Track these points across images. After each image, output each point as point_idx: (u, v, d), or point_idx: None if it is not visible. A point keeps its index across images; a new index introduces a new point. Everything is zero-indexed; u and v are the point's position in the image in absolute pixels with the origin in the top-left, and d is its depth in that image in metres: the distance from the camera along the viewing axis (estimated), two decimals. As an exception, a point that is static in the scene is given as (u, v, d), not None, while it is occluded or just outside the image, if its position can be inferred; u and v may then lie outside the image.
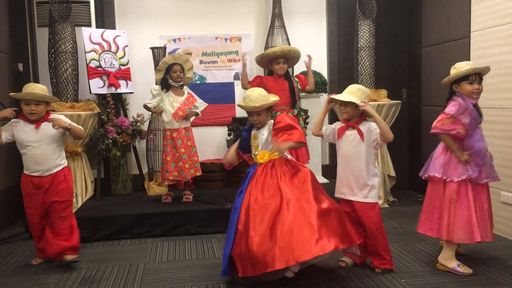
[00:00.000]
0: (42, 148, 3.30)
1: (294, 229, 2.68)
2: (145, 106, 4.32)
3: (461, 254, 3.36)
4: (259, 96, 3.03)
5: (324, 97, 5.41)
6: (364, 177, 3.04)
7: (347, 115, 3.07)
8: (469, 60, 4.13)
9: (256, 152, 3.10)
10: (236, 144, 3.29)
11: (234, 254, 2.88)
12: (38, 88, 3.27)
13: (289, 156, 3.16)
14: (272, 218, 2.76)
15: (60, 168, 3.39)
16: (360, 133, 3.03)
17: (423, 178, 3.29)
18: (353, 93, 3.01)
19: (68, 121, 3.34)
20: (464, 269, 3.05)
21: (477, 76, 3.08)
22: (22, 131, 3.28)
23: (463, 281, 2.94)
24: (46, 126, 3.31)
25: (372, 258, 3.17)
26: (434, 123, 3.11)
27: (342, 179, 3.15)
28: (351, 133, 3.07)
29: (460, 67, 3.11)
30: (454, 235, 3.04)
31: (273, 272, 2.72)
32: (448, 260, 3.11)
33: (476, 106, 3.10)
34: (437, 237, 3.21)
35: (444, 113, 3.07)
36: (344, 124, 3.12)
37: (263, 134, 3.09)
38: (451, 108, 3.05)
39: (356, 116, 3.06)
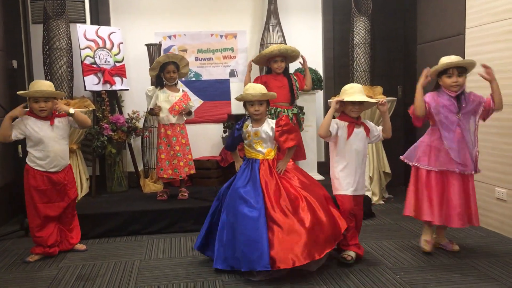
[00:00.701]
0: (61, 143, 3.43)
1: (312, 230, 2.93)
2: (150, 113, 4.37)
3: (456, 251, 3.40)
4: (263, 88, 3.22)
5: (319, 94, 5.42)
6: (365, 171, 3.33)
7: (359, 113, 3.23)
8: (463, 57, 4.15)
9: (261, 149, 3.20)
10: (232, 153, 3.48)
11: (278, 247, 2.89)
12: (46, 85, 3.36)
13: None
14: (289, 219, 2.96)
15: (69, 163, 3.57)
16: (367, 130, 3.22)
17: (401, 159, 3.61)
18: (363, 93, 3.18)
19: (72, 109, 3.43)
20: (424, 245, 3.38)
21: (455, 70, 3.22)
22: (37, 127, 3.34)
23: (459, 278, 2.96)
24: (58, 122, 3.42)
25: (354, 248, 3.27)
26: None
27: (357, 175, 3.23)
28: (360, 130, 3.21)
29: (440, 61, 3.31)
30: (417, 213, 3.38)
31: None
32: (424, 233, 3.44)
33: (459, 97, 3.26)
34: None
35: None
36: (350, 122, 3.20)
37: (267, 131, 3.18)
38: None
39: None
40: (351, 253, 3.22)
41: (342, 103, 3.17)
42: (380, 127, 3.30)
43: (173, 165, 4.27)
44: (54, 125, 3.39)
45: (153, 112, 4.31)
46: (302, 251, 2.84)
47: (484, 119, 3.35)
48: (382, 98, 3.15)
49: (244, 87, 4.18)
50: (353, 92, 3.14)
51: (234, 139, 3.32)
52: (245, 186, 3.09)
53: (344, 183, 3.20)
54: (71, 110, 3.40)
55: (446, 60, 3.27)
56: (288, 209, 2.98)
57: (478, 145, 3.31)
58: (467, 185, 3.29)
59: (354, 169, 3.21)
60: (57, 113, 3.41)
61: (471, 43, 4.08)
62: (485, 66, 3.18)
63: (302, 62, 4.49)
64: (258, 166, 3.16)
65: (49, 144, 3.36)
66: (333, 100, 3.20)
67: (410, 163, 3.48)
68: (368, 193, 4.80)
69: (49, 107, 3.34)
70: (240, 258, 2.94)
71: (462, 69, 3.25)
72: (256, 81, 4.38)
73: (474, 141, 3.28)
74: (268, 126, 3.21)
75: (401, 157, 3.62)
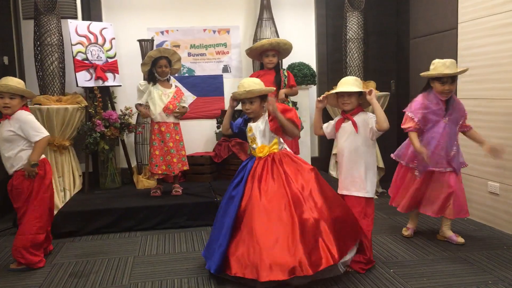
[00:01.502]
0: (8, 148, 3.17)
1: (315, 233, 2.66)
2: (137, 108, 4.32)
3: (461, 243, 3.43)
4: (252, 83, 2.98)
5: (312, 89, 5.42)
6: (357, 170, 2.97)
7: (350, 105, 2.99)
8: (456, 52, 4.16)
9: (254, 145, 3.02)
10: (228, 114, 3.17)
11: (232, 252, 2.78)
12: (14, 81, 3.14)
13: (287, 149, 3.10)
14: (285, 220, 2.70)
15: (20, 169, 3.20)
16: (354, 124, 2.97)
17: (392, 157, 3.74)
18: (352, 84, 2.96)
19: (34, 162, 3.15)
20: (458, 239, 3.44)
21: (449, 78, 3.28)
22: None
23: (452, 271, 2.97)
24: (3, 124, 3.17)
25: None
26: (402, 125, 3.47)
27: (341, 174, 3.09)
28: (346, 125, 3.02)
29: (435, 68, 3.33)
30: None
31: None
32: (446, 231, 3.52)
33: (447, 100, 3.35)
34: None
35: (406, 113, 3.46)
36: (342, 117, 3.07)
37: (260, 126, 3.01)
38: (410, 106, 3.44)
39: (355, 106, 3.01)
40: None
41: (335, 101, 3.07)
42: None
43: (167, 161, 4.25)
44: (2, 125, 3.16)
45: (140, 109, 4.27)
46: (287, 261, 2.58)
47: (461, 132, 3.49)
48: (369, 88, 2.96)
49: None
50: (340, 84, 3.01)
51: (239, 131, 3.15)
52: (234, 189, 2.97)
53: (339, 181, 3.10)
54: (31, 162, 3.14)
55: (442, 68, 3.28)
56: (281, 209, 2.75)
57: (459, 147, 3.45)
58: (447, 181, 3.38)
59: (341, 167, 3.06)
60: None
61: (464, 37, 4.09)
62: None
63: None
64: (252, 164, 2.99)
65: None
66: (316, 100, 3.12)
67: (403, 162, 3.61)
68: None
69: (14, 105, 3.13)
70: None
71: (454, 77, 3.33)
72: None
73: (453, 144, 3.40)
74: (263, 120, 3.02)
75: (391, 155, 3.74)
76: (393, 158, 3.72)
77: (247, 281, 2.72)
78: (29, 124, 3.15)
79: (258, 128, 3.02)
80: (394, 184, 3.75)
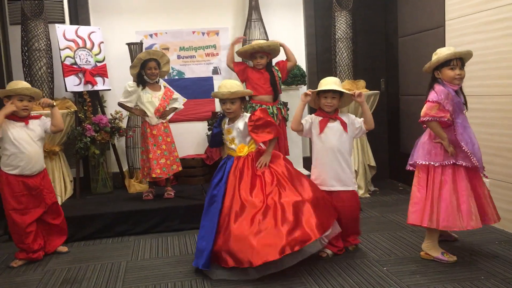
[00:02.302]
0: (35, 145, 3.36)
1: (290, 221, 2.85)
2: (122, 105, 4.27)
3: (454, 240, 3.43)
4: (234, 85, 3.13)
5: (303, 89, 5.42)
6: (349, 166, 3.21)
7: (333, 107, 3.10)
8: (444, 48, 4.17)
9: (233, 146, 3.17)
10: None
11: (219, 247, 2.92)
12: (29, 85, 3.37)
13: (262, 146, 3.24)
14: (264, 212, 2.91)
15: (44, 167, 3.49)
16: (344, 124, 3.11)
17: (408, 169, 3.25)
18: (338, 85, 3.03)
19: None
20: (448, 258, 3.05)
21: (458, 61, 3.01)
22: (12, 128, 3.28)
23: (444, 268, 2.99)
24: (33, 125, 3.37)
25: (345, 242, 3.32)
26: (423, 111, 2.97)
27: (329, 172, 3.19)
28: (334, 125, 3.13)
29: (440, 53, 3.04)
30: (438, 222, 2.95)
31: (266, 265, 2.80)
32: (431, 249, 3.09)
33: (458, 92, 3.05)
34: (423, 226, 3.06)
35: (430, 101, 2.96)
36: (324, 117, 3.12)
37: (239, 127, 3.15)
38: (434, 95, 2.96)
39: (336, 108, 3.15)
40: (327, 251, 3.23)
41: (317, 100, 3.15)
42: (362, 119, 3.23)
43: (161, 164, 4.24)
44: (28, 126, 3.34)
45: (128, 109, 4.30)
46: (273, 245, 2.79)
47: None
48: (354, 91, 3.02)
49: (226, 61, 4.31)
50: (325, 84, 3.09)
51: (214, 136, 3.31)
52: (214, 188, 3.12)
53: (317, 178, 3.24)
54: (54, 102, 3.43)
55: (447, 51, 3.02)
56: (262, 205, 2.95)
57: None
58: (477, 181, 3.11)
59: (325, 164, 3.18)
60: (31, 114, 3.40)
61: (451, 35, 4.12)
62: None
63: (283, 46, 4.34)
64: (231, 164, 3.14)
65: (23, 146, 3.28)
66: (303, 93, 3.17)
67: (435, 163, 3.02)
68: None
69: (31, 107, 3.35)
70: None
71: (463, 61, 3.06)
72: (239, 65, 4.36)
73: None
74: (242, 121, 3.16)
75: (408, 168, 3.23)
76: (411, 169, 3.21)
77: (241, 273, 2.87)
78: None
79: (237, 129, 3.15)
80: (424, 201, 3.07)
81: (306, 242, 2.82)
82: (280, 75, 4.34)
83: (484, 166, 3.15)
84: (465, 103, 3.09)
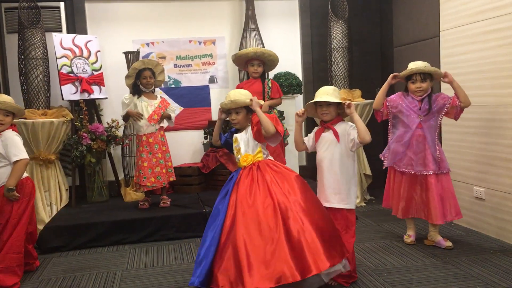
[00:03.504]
0: None
1: (291, 245, 2.58)
2: (124, 117, 4.26)
3: (449, 247, 3.47)
4: (239, 94, 2.97)
5: (299, 98, 5.45)
6: (338, 181, 2.90)
7: (329, 116, 2.93)
8: (438, 59, 4.23)
9: (239, 156, 2.98)
10: (217, 126, 3.14)
11: (216, 264, 2.69)
12: (8, 98, 3.19)
13: (271, 159, 3.05)
14: (265, 231, 2.63)
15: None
16: (336, 134, 2.90)
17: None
18: (331, 94, 2.91)
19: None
20: (446, 243, 3.48)
21: (418, 76, 3.41)
22: None
23: (440, 277, 2.99)
24: None
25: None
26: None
27: (319, 185, 3.00)
28: (326, 134, 2.96)
29: (407, 68, 3.47)
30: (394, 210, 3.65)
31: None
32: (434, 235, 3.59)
33: (424, 100, 3.44)
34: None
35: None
36: (321, 127, 3.02)
37: (244, 136, 2.99)
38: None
39: (334, 116, 2.96)
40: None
41: (314, 111, 3.02)
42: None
43: (156, 172, 4.23)
44: None
45: (131, 115, 4.20)
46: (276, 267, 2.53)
47: (455, 118, 3.49)
48: (347, 101, 2.91)
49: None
50: (316, 95, 2.95)
51: (225, 142, 3.12)
52: (220, 202, 2.91)
53: (318, 193, 3.00)
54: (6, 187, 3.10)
55: (411, 66, 3.44)
56: (269, 218, 2.68)
57: (440, 145, 3.48)
58: (425, 183, 3.47)
59: (320, 178, 2.98)
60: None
61: (446, 45, 4.15)
62: (445, 75, 3.42)
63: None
64: (237, 176, 2.93)
65: None
66: (295, 114, 3.02)
67: (389, 164, 3.68)
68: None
69: (7, 122, 3.14)
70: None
71: (426, 75, 3.41)
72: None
73: (435, 141, 3.44)
74: (247, 130, 3.00)
75: (380, 156, 3.80)
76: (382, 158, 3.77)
77: None
78: (14, 143, 3.12)
79: (243, 138, 2.99)
80: (387, 189, 3.77)
81: (308, 274, 2.51)
82: (269, 91, 4.28)
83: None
84: (429, 108, 3.43)
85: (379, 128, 5.60)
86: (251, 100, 2.93)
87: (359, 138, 2.83)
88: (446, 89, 3.90)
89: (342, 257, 2.68)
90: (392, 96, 3.60)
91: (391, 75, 3.55)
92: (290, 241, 2.59)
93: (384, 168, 3.71)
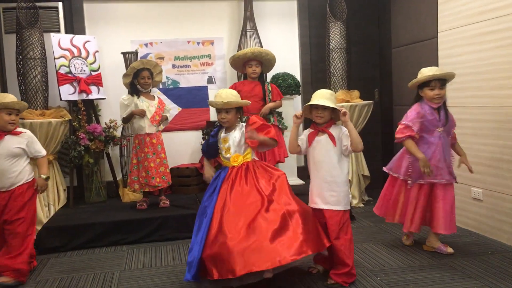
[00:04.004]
0: (5, 163, 3.18)
1: (277, 230, 2.71)
2: (125, 119, 4.23)
3: (450, 253, 3.40)
4: (230, 95, 3.06)
5: (297, 99, 5.45)
6: (336, 183, 2.96)
7: (323, 119, 2.97)
8: (436, 60, 4.23)
9: (228, 155, 3.06)
10: (205, 159, 3.31)
11: (206, 256, 2.76)
12: (14, 98, 3.28)
13: (256, 158, 3.15)
14: (253, 219, 2.76)
15: (15, 185, 3.23)
16: (332, 138, 2.95)
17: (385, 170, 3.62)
18: (328, 98, 2.93)
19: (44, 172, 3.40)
20: (447, 249, 3.40)
21: (437, 82, 3.25)
22: None
23: (438, 278, 3.00)
24: (8, 141, 3.21)
25: (333, 269, 3.01)
26: (396, 133, 3.39)
27: (313, 188, 3.04)
28: (321, 138, 2.98)
29: (422, 73, 3.30)
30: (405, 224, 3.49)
31: (250, 274, 2.65)
32: (433, 241, 3.49)
33: (439, 109, 3.32)
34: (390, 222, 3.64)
35: (400, 123, 3.37)
36: (314, 130, 3.02)
37: (235, 136, 3.05)
38: (407, 115, 3.35)
39: (327, 120, 3.00)
40: (318, 267, 3.15)
41: (309, 113, 3.03)
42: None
43: (160, 173, 4.24)
44: (2, 141, 3.19)
45: (130, 118, 4.21)
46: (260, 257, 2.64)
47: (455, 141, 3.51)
48: (342, 108, 2.96)
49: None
50: (314, 97, 2.98)
51: (209, 146, 3.21)
52: (207, 200, 3.00)
53: (310, 194, 3.06)
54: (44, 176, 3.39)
55: (429, 72, 3.26)
56: (248, 215, 2.79)
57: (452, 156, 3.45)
58: (440, 193, 3.37)
59: (314, 180, 3.02)
60: (13, 131, 3.25)
61: (444, 46, 4.16)
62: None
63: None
64: (224, 175, 3.02)
65: None
66: (293, 116, 3.04)
67: (399, 176, 3.50)
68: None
69: (17, 121, 3.27)
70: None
71: (443, 81, 3.29)
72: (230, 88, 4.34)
73: (450, 150, 3.42)
74: (239, 130, 3.07)
75: (384, 169, 3.64)
76: (386, 171, 3.61)
77: (225, 283, 2.75)
78: (36, 141, 3.40)
79: (234, 138, 3.06)
80: (385, 198, 3.63)
81: (297, 256, 2.66)
82: (270, 97, 4.32)
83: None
84: (446, 119, 3.34)
85: (377, 129, 5.62)
86: (248, 133, 3.00)
87: (351, 147, 2.91)
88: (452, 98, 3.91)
89: (319, 250, 2.85)
90: (414, 114, 3.32)
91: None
92: (278, 227, 2.72)
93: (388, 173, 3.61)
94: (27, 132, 3.34)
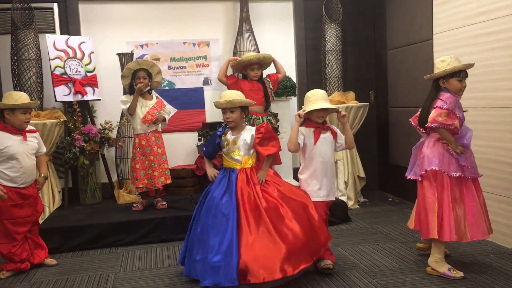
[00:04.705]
0: (31, 159, 3.41)
1: (301, 236, 2.89)
2: (129, 109, 4.16)
3: (446, 255, 3.32)
4: (234, 95, 3.15)
5: (293, 100, 5.45)
6: (334, 176, 3.33)
7: (323, 118, 3.18)
8: (431, 62, 4.24)
9: (238, 157, 3.12)
10: (205, 159, 3.35)
11: (249, 258, 2.79)
12: (28, 97, 3.42)
13: None
14: (281, 226, 2.91)
15: (35, 178, 3.51)
16: (334, 134, 3.21)
17: (410, 178, 3.19)
18: (327, 100, 3.14)
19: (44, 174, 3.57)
20: (455, 274, 2.98)
21: (464, 73, 3.06)
22: (9, 142, 3.28)
23: (433, 280, 3.00)
24: (29, 139, 3.42)
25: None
26: (432, 117, 2.96)
27: (323, 181, 3.18)
28: (327, 135, 3.18)
29: (449, 63, 3.01)
30: (444, 234, 2.96)
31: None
32: (438, 264, 3.04)
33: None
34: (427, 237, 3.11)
35: (438, 107, 2.96)
36: (316, 128, 3.16)
37: (245, 139, 3.12)
38: (441, 102, 2.97)
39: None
40: (328, 262, 3.13)
41: (307, 113, 3.12)
42: (344, 136, 3.25)
43: (148, 175, 4.22)
44: (27, 140, 3.38)
45: (135, 105, 4.15)
46: (275, 265, 2.75)
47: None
48: (341, 110, 3.11)
49: (218, 75, 4.38)
50: (316, 99, 3.09)
51: (215, 145, 3.20)
52: (221, 198, 3.00)
53: (314, 189, 3.17)
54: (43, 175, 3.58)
55: (457, 62, 3.03)
56: (266, 221, 2.89)
57: None
58: (479, 190, 3.11)
59: (321, 175, 3.16)
60: (27, 128, 3.42)
61: (439, 48, 4.17)
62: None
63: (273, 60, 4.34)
64: (235, 176, 3.08)
65: (21, 159, 3.30)
66: (296, 114, 3.10)
67: (435, 168, 3.00)
68: (344, 198, 4.84)
69: (29, 120, 3.41)
70: (207, 270, 2.85)
71: (466, 73, 3.09)
72: (230, 78, 4.32)
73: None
74: (248, 133, 3.14)
75: (409, 177, 3.22)
76: (412, 178, 3.19)
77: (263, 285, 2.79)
78: (41, 138, 3.62)
79: (243, 141, 3.14)
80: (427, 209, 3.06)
81: (300, 267, 2.84)
82: (271, 87, 4.38)
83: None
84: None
85: (373, 130, 5.63)
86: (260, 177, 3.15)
87: (346, 145, 3.24)
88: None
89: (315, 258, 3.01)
90: (451, 102, 2.96)
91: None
92: (286, 239, 2.87)
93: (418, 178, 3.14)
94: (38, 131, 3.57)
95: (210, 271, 2.82)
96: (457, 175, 2.98)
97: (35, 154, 3.48)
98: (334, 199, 3.30)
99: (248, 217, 2.93)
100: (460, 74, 3.02)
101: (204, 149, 3.30)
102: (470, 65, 3.08)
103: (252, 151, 3.17)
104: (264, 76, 4.42)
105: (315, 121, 3.15)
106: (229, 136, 3.17)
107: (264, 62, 4.32)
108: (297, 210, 2.99)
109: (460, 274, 2.99)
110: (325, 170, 3.18)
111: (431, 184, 3.03)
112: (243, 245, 2.84)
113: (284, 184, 3.18)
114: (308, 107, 3.10)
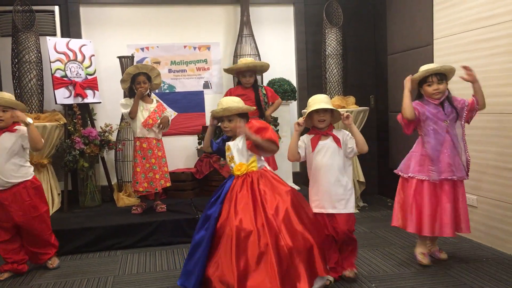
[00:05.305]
0: (5, 159, 3.21)
1: (289, 261, 2.68)
2: (130, 113, 4.15)
3: (444, 259, 3.39)
4: (231, 102, 2.96)
5: (293, 104, 5.46)
6: (343, 186, 2.98)
7: (325, 123, 2.99)
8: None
9: (232, 164, 2.96)
10: (209, 132, 3.13)
11: (212, 275, 2.71)
12: (6, 95, 3.25)
13: (267, 167, 3.04)
14: (261, 246, 2.67)
15: (15, 183, 3.27)
16: (337, 140, 2.98)
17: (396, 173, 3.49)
18: (327, 102, 2.96)
19: (30, 119, 3.20)
20: (422, 259, 3.29)
21: (434, 77, 3.20)
22: None
23: (433, 285, 3.00)
24: (4, 137, 3.23)
25: (345, 265, 3.11)
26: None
27: (320, 193, 3.01)
28: (326, 142, 2.99)
29: (419, 71, 3.25)
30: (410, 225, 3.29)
31: None
32: (417, 246, 3.39)
33: (443, 103, 3.23)
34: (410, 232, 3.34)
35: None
36: (315, 134, 3.02)
37: (238, 144, 2.95)
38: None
39: (328, 124, 3.03)
40: (330, 278, 3.01)
41: (308, 119, 3.02)
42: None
43: (149, 178, 4.22)
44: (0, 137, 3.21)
45: (136, 108, 4.12)
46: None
47: (468, 122, 3.31)
48: (344, 112, 3.01)
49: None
50: (315, 103, 2.97)
51: (216, 152, 3.14)
52: (210, 207, 2.91)
53: (312, 200, 3.03)
54: (29, 120, 3.18)
55: (425, 67, 3.24)
56: (263, 225, 2.72)
57: (468, 150, 3.29)
58: (457, 192, 3.26)
59: (323, 185, 2.98)
60: (8, 126, 3.25)
61: (439, 53, 4.18)
62: (465, 68, 3.17)
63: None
64: (230, 184, 2.93)
65: None
66: (295, 123, 3.00)
67: (405, 175, 3.34)
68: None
69: (7, 118, 3.20)
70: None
71: (442, 76, 3.21)
72: (226, 95, 4.32)
73: (463, 146, 3.27)
74: (241, 138, 2.95)
75: (396, 171, 3.47)
76: (398, 173, 3.44)
77: None
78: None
79: (236, 146, 2.96)
80: (403, 202, 3.39)
81: None
82: (266, 100, 4.34)
83: (469, 182, 3.46)
84: (455, 111, 3.25)
85: (373, 134, 5.63)
86: (239, 129, 2.89)
87: (357, 148, 2.95)
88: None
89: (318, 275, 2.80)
90: (414, 104, 3.26)
91: (407, 78, 3.25)
92: (279, 261, 2.65)
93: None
94: (22, 128, 3.29)
95: (183, 271, 2.88)
96: (434, 178, 3.21)
97: (24, 147, 3.29)
98: (345, 211, 2.98)
99: (226, 229, 2.76)
100: (427, 79, 3.22)
101: (213, 141, 3.17)
102: (431, 70, 3.20)
103: (247, 156, 2.94)
104: (266, 82, 4.39)
105: (317, 126, 3.01)
106: (228, 142, 3.05)
107: (255, 69, 4.29)
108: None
109: (426, 261, 3.28)
110: (324, 179, 2.98)
111: (409, 184, 3.33)
112: (215, 258, 2.77)
113: (275, 187, 2.92)
114: (307, 111, 3.03)
